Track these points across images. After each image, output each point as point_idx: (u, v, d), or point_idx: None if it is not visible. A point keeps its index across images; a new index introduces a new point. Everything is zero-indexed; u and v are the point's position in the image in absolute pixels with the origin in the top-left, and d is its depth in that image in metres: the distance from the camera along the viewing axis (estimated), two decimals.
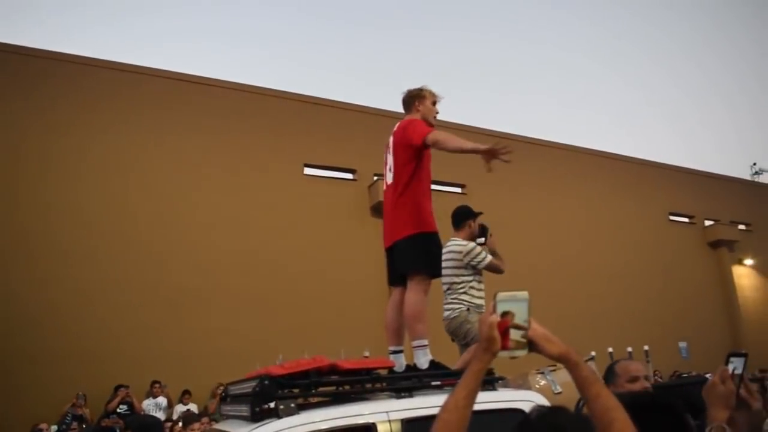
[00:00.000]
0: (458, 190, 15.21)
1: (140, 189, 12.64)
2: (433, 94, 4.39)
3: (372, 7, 42.21)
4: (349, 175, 15.38)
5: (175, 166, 13.08)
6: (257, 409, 2.93)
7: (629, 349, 6.67)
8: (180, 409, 11.00)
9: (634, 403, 1.84)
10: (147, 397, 11.07)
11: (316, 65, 38.51)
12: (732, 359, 2.04)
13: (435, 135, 4.00)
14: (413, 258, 4.03)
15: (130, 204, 12.45)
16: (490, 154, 3.91)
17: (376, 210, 14.74)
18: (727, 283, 21.30)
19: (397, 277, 4.16)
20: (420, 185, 4.11)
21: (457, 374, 3.59)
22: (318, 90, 26.83)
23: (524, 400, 3.38)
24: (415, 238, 4.02)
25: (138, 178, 12.66)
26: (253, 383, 3.05)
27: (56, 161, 12.08)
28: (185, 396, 11.32)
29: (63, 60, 12.71)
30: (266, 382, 2.97)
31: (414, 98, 4.39)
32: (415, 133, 4.05)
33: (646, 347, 5.73)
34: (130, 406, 10.51)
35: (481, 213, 5.12)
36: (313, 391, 3.19)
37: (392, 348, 4.04)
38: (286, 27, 40.36)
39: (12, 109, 11.92)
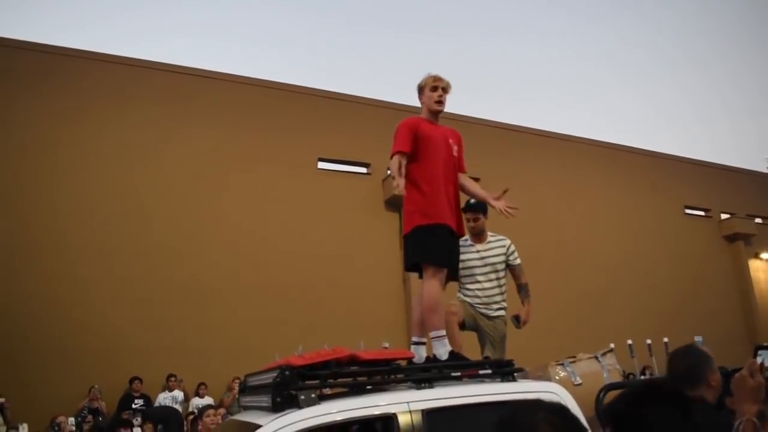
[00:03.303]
0: None
1: (154, 184, 12.67)
2: (431, 79, 4.34)
3: (390, 9, 42.14)
4: (363, 169, 15.36)
5: (189, 161, 13.10)
6: (278, 399, 2.93)
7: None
8: (196, 402, 11.05)
9: (643, 391, 1.81)
10: (163, 390, 11.15)
11: (331, 61, 38.50)
12: (760, 352, 2.03)
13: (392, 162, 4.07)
14: (417, 250, 4.10)
15: (144, 199, 12.49)
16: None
17: (390, 204, 14.72)
18: (743, 277, 21.08)
19: (412, 267, 4.22)
20: (422, 180, 4.11)
21: (477, 365, 3.59)
22: (332, 85, 26.85)
23: (544, 391, 3.38)
24: (415, 231, 4.07)
25: (152, 173, 12.69)
26: (274, 374, 3.06)
27: (65, 156, 12.10)
28: (201, 389, 11.37)
29: (70, 55, 12.71)
30: (287, 372, 2.97)
31: (418, 93, 4.43)
32: (392, 147, 4.12)
33: (665, 339, 5.70)
34: (147, 400, 10.59)
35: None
36: (334, 381, 3.20)
37: (414, 339, 4.05)
38: (301, 25, 40.36)
39: (18, 103, 11.94)
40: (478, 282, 5.02)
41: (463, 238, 4.84)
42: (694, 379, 2.71)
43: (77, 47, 12.92)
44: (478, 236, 5.14)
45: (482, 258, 5.06)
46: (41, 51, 12.43)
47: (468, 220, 4.99)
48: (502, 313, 5.02)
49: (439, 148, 4.18)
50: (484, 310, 4.98)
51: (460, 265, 4.77)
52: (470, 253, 5.06)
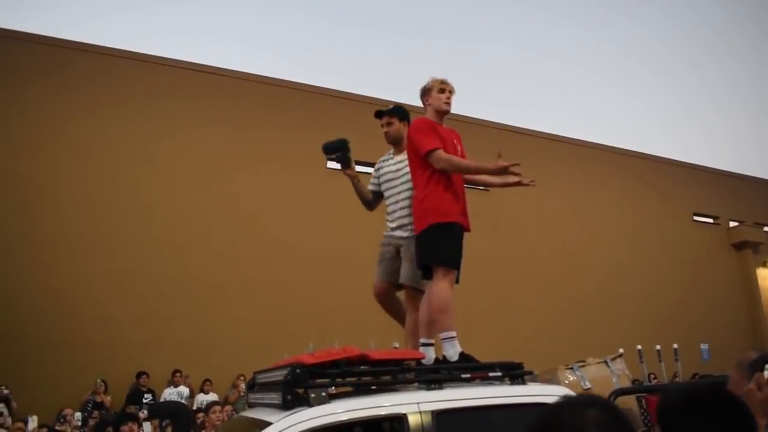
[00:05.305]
0: (481, 187, 15.10)
1: (162, 179, 12.67)
2: (438, 82, 4.40)
3: (399, 12, 42.15)
4: (371, 169, 15.32)
5: (198, 157, 13.11)
6: (289, 396, 2.94)
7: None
8: (200, 398, 11.07)
9: (696, 394, 1.71)
10: (168, 386, 11.16)
11: (341, 61, 38.52)
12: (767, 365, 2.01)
13: (439, 159, 4.06)
14: (429, 251, 4.09)
15: (153, 194, 12.49)
16: (499, 173, 4.17)
17: None
18: (751, 286, 20.99)
19: (421, 267, 4.21)
20: (436, 179, 4.14)
21: (486, 367, 3.59)
22: (341, 84, 26.83)
23: (553, 394, 3.37)
24: (430, 230, 4.07)
25: (161, 168, 12.69)
26: (284, 371, 3.06)
27: (71, 150, 12.10)
28: (206, 385, 11.38)
29: (77, 48, 12.73)
30: (298, 370, 2.97)
31: (423, 95, 4.46)
32: (420, 146, 4.12)
33: (675, 346, 5.67)
34: (154, 395, 10.60)
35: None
36: (345, 380, 3.20)
37: (423, 340, 4.04)
38: (311, 25, 40.38)
39: (24, 97, 11.94)
40: (395, 200, 4.64)
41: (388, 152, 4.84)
42: None
43: (83, 41, 12.96)
44: (396, 145, 4.76)
45: (398, 169, 4.65)
46: (48, 44, 12.45)
47: (382, 126, 4.85)
48: None
49: (450, 149, 4.23)
50: (399, 234, 4.49)
51: (382, 180, 4.77)
52: (388, 166, 4.78)
